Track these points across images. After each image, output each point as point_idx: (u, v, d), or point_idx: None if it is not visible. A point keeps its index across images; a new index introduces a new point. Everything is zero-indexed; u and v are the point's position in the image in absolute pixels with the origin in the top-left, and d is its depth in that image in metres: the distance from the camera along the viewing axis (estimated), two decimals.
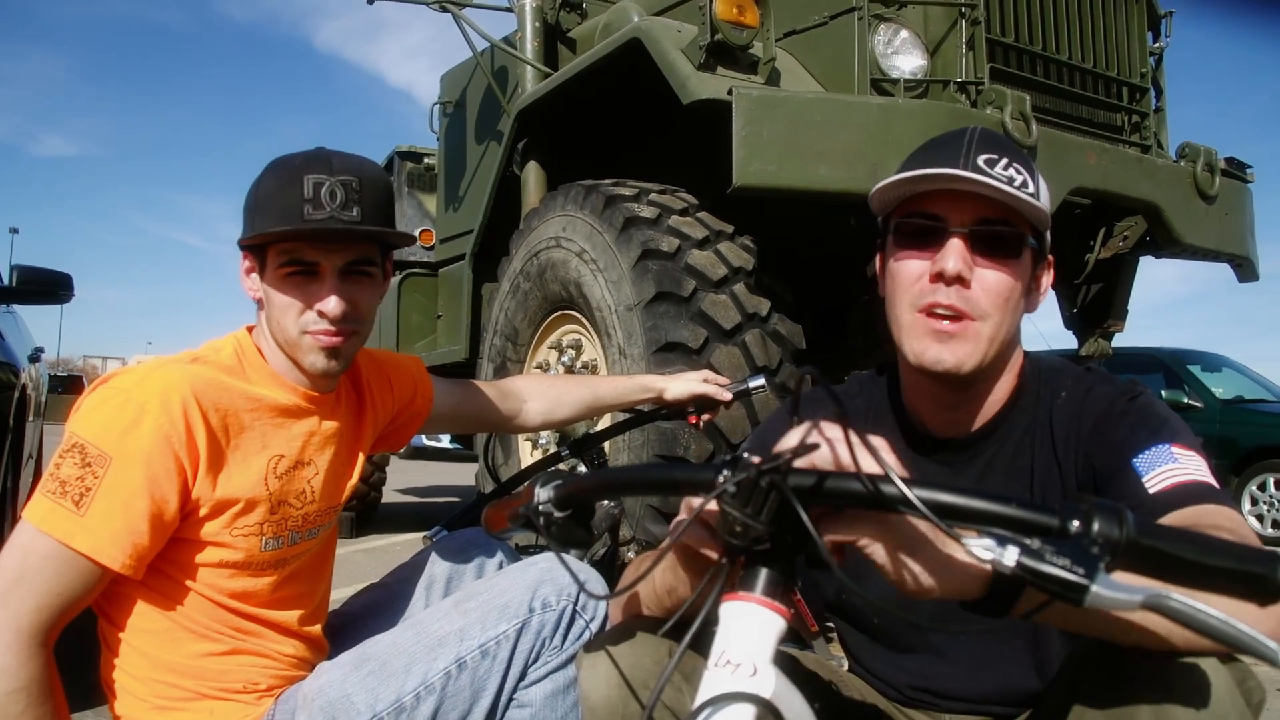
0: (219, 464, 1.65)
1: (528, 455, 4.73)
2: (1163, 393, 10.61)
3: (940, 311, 1.45)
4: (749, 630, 0.98)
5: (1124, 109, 4.59)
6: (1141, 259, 4.94)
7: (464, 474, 13.47)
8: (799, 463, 0.94)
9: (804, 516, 0.91)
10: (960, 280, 1.43)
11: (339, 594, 5.13)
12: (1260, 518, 9.64)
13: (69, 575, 1.52)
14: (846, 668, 1.79)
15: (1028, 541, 0.86)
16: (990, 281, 1.44)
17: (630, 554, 2.69)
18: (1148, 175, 4.27)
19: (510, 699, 1.79)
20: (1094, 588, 0.82)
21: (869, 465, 0.94)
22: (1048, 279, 1.56)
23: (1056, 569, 0.83)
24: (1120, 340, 5.24)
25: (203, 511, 1.64)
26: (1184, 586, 0.87)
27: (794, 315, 4.00)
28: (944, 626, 1.44)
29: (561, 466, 2.60)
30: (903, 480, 0.90)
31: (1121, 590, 0.83)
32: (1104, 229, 4.58)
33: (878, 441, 1.08)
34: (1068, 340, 5.31)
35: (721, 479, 0.96)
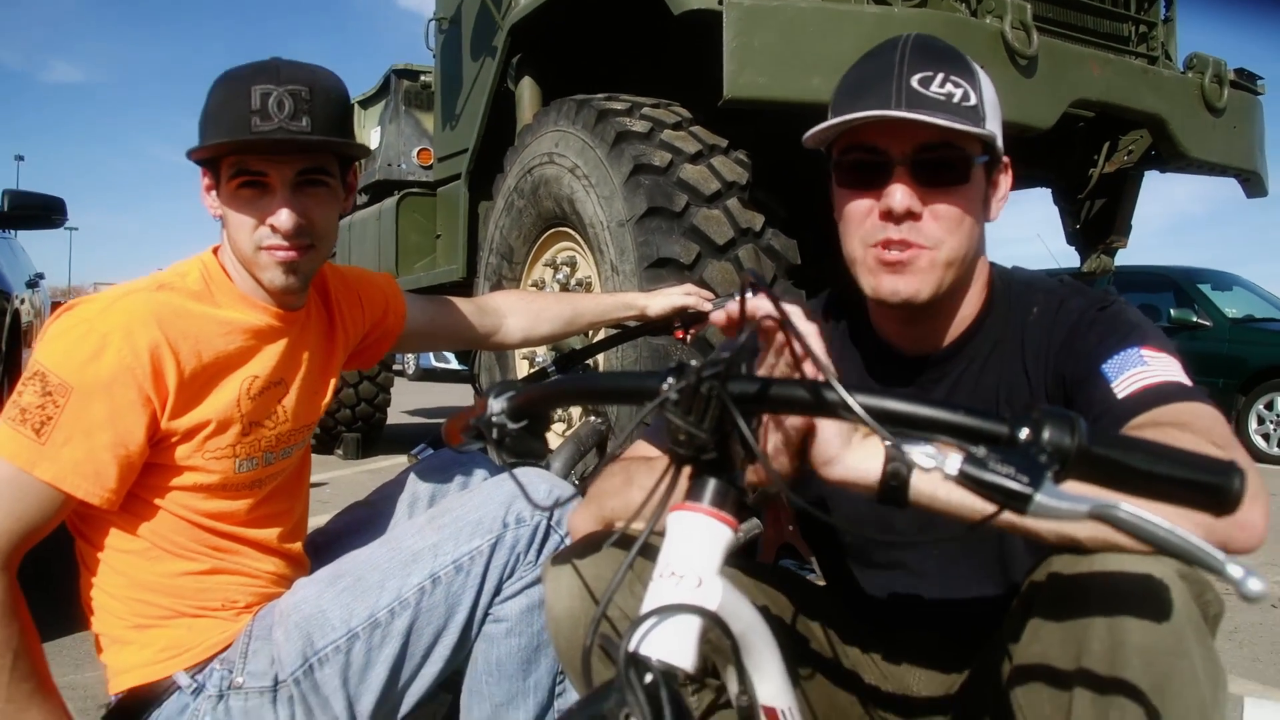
0: (190, 392, 1.63)
1: (524, 372, 4.72)
2: (1172, 311, 10.57)
3: (894, 246, 1.42)
4: (694, 541, 0.96)
5: (1130, 18, 4.47)
6: (1146, 173, 4.85)
7: (468, 396, 13.53)
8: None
9: (741, 424, 0.88)
10: (910, 214, 1.40)
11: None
12: (1267, 436, 9.65)
13: (28, 501, 1.51)
14: (822, 582, 1.79)
15: (972, 449, 0.84)
16: (941, 210, 1.41)
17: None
18: (1153, 87, 4.19)
19: (486, 614, 1.78)
20: (1038, 497, 0.80)
21: (812, 371, 0.92)
22: (1006, 181, 1.52)
23: (1000, 478, 0.81)
24: (1132, 259, 5.19)
25: (175, 438, 1.63)
26: (1139, 496, 0.85)
27: (788, 230, 3.96)
28: (911, 539, 1.43)
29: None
30: (844, 386, 0.87)
31: (1067, 500, 0.80)
32: (1108, 142, 4.49)
33: (816, 343, 1.06)
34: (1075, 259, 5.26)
35: (665, 386, 0.93)
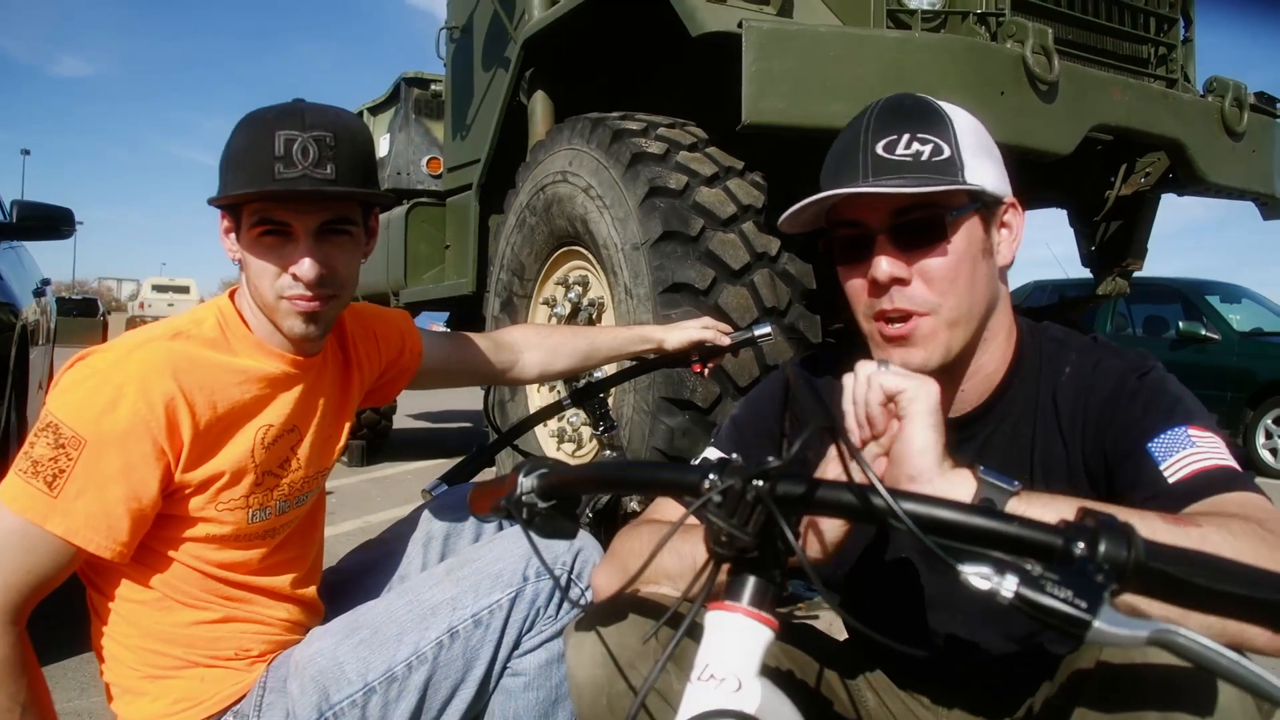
0: (204, 444, 1.61)
1: (534, 394, 4.69)
2: (1180, 324, 10.52)
3: (890, 317, 1.41)
4: (733, 642, 0.94)
5: (1150, 40, 4.44)
6: (1163, 196, 4.83)
7: (477, 398, 13.49)
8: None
9: (789, 535, 0.86)
10: (897, 281, 1.39)
11: (348, 525, 5.19)
12: (1275, 451, 9.59)
13: (39, 555, 1.49)
14: (843, 637, 1.76)
15: (1028, 567, 0.81)
16: (929, 270, 1.39)
17: (634, 504, 2.65)
18: (1173, 111, 4.15)
19: (504, 668, 1.76)
20: (1097, 623, 0.77)
21: (860, 475, 0.89)
22: (1017, 220, 1.49)
23: (1058, 602, 0.78)
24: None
25: (188, 490, 1.60)
26: (1199, 612, 0.82)
27: (804, 255, 3.92)
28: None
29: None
30: (892, 493, 0.85)
31: (1126, 625, 0.77)
32: (1125, 165, 4.47)
33: (929, 409, 1.06)
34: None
35: (707, 485, 0.91)
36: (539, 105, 5.05)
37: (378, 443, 8.51)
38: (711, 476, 0.91)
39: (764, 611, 0.94)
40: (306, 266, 1.61)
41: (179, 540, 1.64)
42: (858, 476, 0.90)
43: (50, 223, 4.68)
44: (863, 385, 1.21)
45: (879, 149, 1.37)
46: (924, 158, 1.36)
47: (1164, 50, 4.47)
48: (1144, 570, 0.80)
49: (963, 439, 1.51)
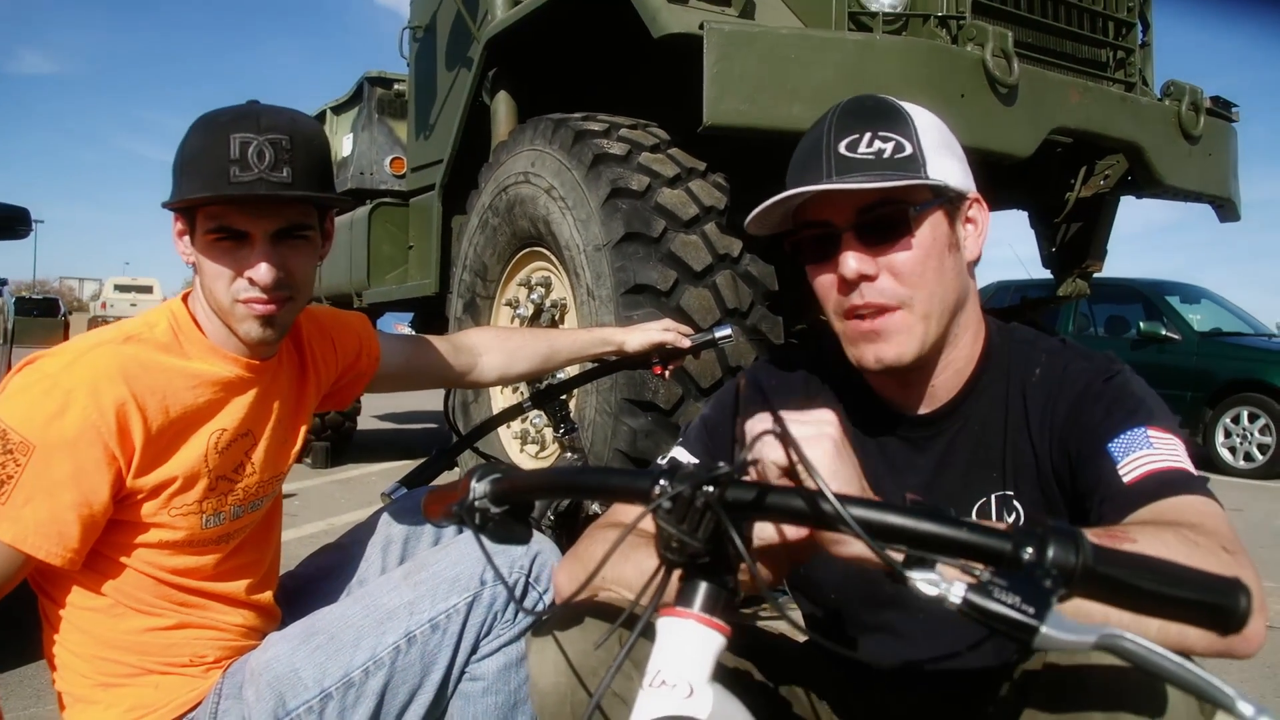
0: (156, 449, 1.58)
1: (498, 395, 4.68)
2: (1141, 324, 10.66)
3: (862, 313, 1.42)
4: (685, 648, 0.93)
5: (1109, 44, 4.49)
6: (1122, 198, 4.88)
7: (441, 399, 13.44)
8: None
9: (736, 538, 0.86)
10: (865, 278, 1.40)
11: (312, 527, 5.14)
12: (1233, 450, 9.74)
13: None
14: (804, 639, 1.76)
15: (977, 572, 0.81)
16: (896, 264, 1.40)
17: (595, 507, 2.64)
18: (1131, 114, 4.20)
19: (462, 672, 1.75)
20: (1044, 629, 0.77)
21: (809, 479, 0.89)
22: (982, 215, 1.50)
23: (1005, 608, 0.78)
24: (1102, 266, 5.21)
25: (140, 496, 1.58)
26: (1145, 615, 0.83)
27: (766, 256, 3.93)
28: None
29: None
30: (840, 498, 0.84)
31: (1073, 631, 0.78)
32: (1085, 167, 4.51)
33: (831, 440, 1.05)
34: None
35: (657, 491, 0.90)
36: (502, 105, 5.03)
37: (342, 444, 8.46)
38: (661, 482, 0.90)
39: (715, 618, 0.94)
40: (263, 271, 1.59)
41: (131, 546, 1.61)
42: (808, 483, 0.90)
43: (5, 222, 4.62)
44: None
45: (842, 148, 1.38)
46: (886, 155, 1.37)
47: (1122, 54, 4.52)
48: (1092, 575, 0.80)
49: (931, 435, 1.52)
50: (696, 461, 1.55)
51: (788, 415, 1.15)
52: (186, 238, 1.65)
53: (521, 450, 4.58)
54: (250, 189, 1.54)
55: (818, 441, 1.11)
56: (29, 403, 1.50)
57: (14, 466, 1.47)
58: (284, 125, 1.58)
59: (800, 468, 0.91)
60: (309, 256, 1.68)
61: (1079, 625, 0.78)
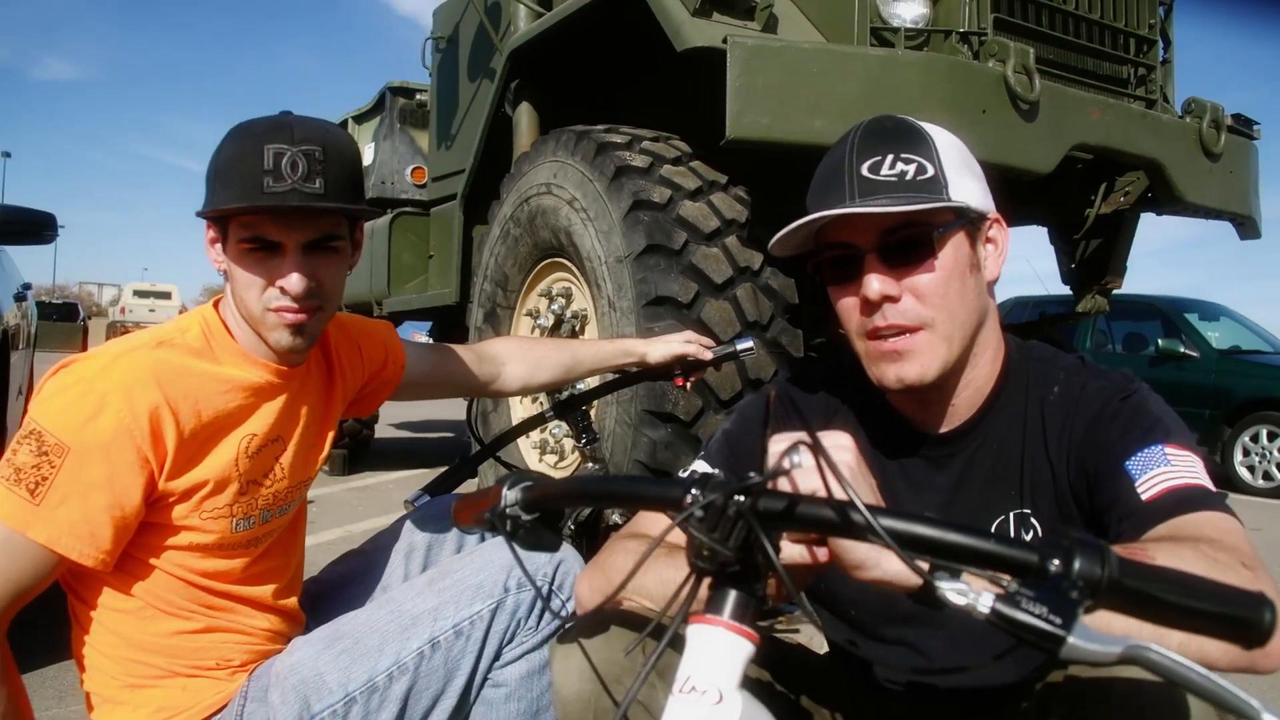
0: (188, 453, 1.61)
1: (517, 405, 4.70)
2: (1160, 341, 10.60)
3: (884, 334, 1.44)
4: (714, 655, 0.95)
5: (1130, 61, 4.49)
6: (1142, 215, 4.87)
7: (459, 408, 13.47)
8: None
9: (770, 552, 0.87)
10: (887, 299, 1.41)
11: (330, 534, 5.16)
12: (1251, 469, 9.68)
13: (21, 563, 1.49)
14: (823, 652, 1.77)
15: (1004, 583, 0.82)
16: (920, 286, 1.41)
17: (616, 517, 2.66)
18: (1151, 131, 4.20)
19: (485, 679, 1.77)
20: (1071, 639, 0.78)
21: (840, 490, 0.91)
22: (1003, 235, 1.52)
23: (1033, 618, 0.79)
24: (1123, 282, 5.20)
25: (172, 499, 1.61)
26: (1170, 628, 0.84)
27: (787, 270, 3.95)
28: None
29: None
30: (870, 509, 0.86)
31: (1099, 641, 0.79)
32: (1105, 184, 4.51)
33: (847, 465, 1.07)
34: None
35: (689, 499, 0.92)
36: (524, 117, 5.07)
37: (359, 452, 8.49)
38: (694, 491, 0.92)
39: (745, 625, 0.95)
40: (294, 281, 1.62)
41: (162, 549, 1.64)
42: (838, 493, 0.92)
43: (33, 227, 4.65)
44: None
45: (864, 170, 1.39)
46: (909, 177, 1.38)
47: (1143, 71, 4.52)
48: (1117, 587, 0.81)
49: (950, 453, 1.53)
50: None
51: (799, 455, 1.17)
52: (219, 246, 1.68)
53: (540, 460, 4.60)
54: (283, 200, 1.57)
55: (837, 453, 1.13)
56: (64, 405, 1.53)
57: (49, 468, 1.49)
58: (317, 136, 1.60)
59: (831, 479, 0.92)
60: (339, 267, 1.71)
61: (1104, 637, 0.80)
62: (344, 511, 6.23)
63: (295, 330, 1.66)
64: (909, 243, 1.40)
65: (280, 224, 1.61)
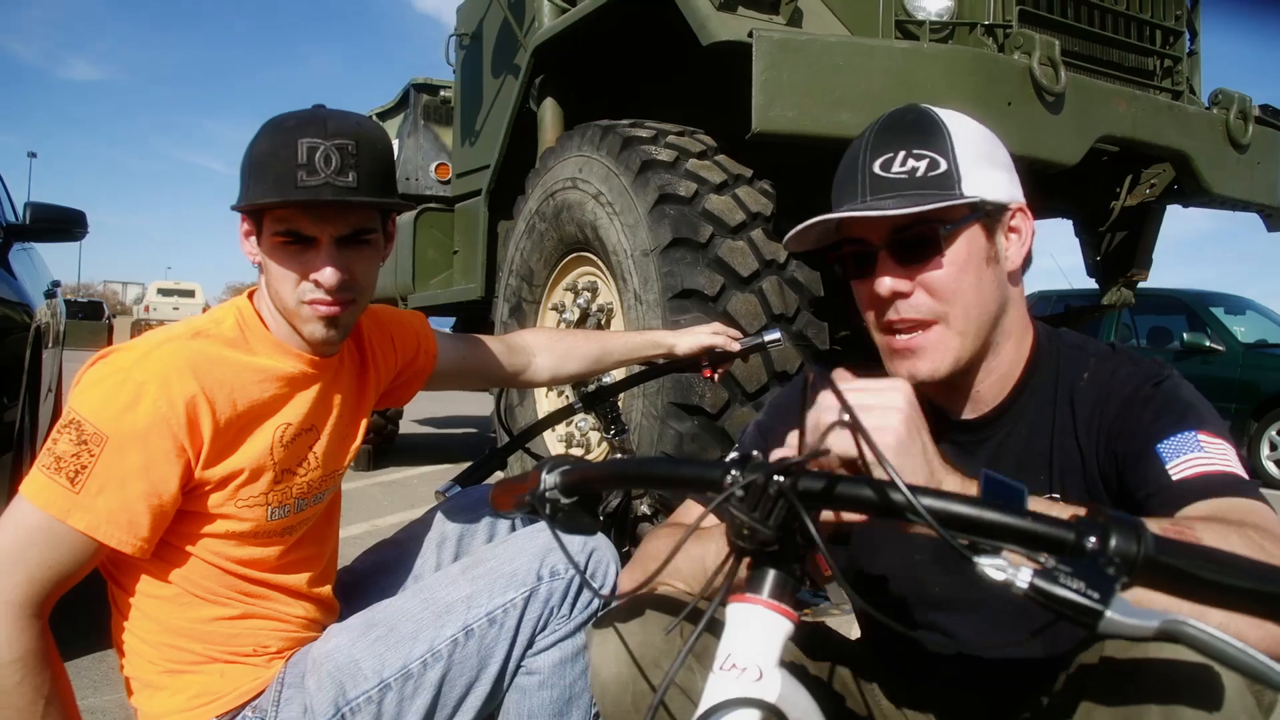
0: (224, 442, 1.63)
1: (542, 398, 4.72)
2: (1185, 335, 10.54)
3: (897, 328, 1.45)
4: (754, 633, 0.96)
5: (1156, 53, 4.46)
6: (1168, 207, 4.85)
7: (482, 404, 13.53)
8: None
9: (813, 530, 0.89)
10: (899, 295, 1.43)
11: (356, 528, 5.21)
12: (1278, 463, 9.59)
13: (62, 550, 1.51)
14: (858, 635, 1.79)
15: (1042, 560, 0.84)
16: (932, 281, 1.42)
17: (644, 508, 2.68)
18: (1178, 123, 4.18)
19: (518, 666, 1.78)
20: (1108, 613, 0.80)
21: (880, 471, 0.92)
22: (1025, 224, 1.51)
23: (1071, 593, 0.80)
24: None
25: (208, 487, 1.63)
26: (1205, 605, 0.85)
27: (812, 263, 3.96)
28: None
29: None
30: (911, 489, 0.87)
31: (1136, 615, 0.80)
32: (1131, 176, 4.49)
33: (894, 432, 1.09)
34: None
35: (729, 480, 0.93)
36: (549, 112, 5.09)
37: (384, 447, 8.53)
38: (734, 472, 0.94)
39: (784, 604, 0.97)
40: (328, 275, 1.64)
41: (199, 536, 1.66)
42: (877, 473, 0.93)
43: (63, 225, 4.72)
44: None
45: (876, 167, 1.41)
46: (920, 174, 1.39)
47: (1169, 63, 4.50)
48: (1153, 563, 0.82)
49: (979, 440, 1.54)
50: None
51: (857, 384, 1.19)
52: (253, 239, 1.70)
53: (567, 452, 4.61)
54: (317, 194, 1.59)
55: (885, 415, 1.15)
56: (102, 395, 1.55)
57: (88, 457, 1.52)
58: (350, 130, 1.62)
59: (870, 456, 0.94)
60: (372, 260, 1.73)
61: (1142, 611, 0.81)
62: (370, 506, 6.27)
63: (329, 323, 1.68)
64: (919, 239, 1.42)
65: (314, 218, 1.63)
